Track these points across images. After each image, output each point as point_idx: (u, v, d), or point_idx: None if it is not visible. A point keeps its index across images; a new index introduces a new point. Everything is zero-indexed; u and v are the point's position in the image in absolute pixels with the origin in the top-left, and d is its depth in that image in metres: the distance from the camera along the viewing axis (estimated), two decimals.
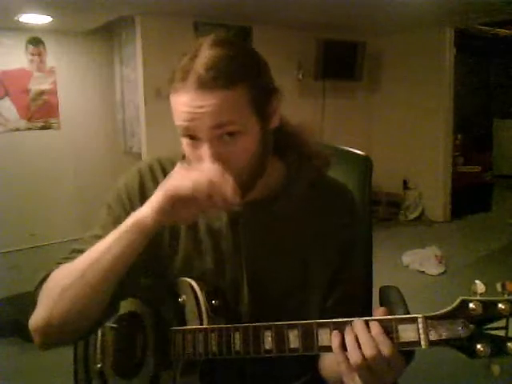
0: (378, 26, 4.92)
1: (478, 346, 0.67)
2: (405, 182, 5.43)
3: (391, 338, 0.71)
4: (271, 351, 0.80)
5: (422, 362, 1.12)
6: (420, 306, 0.74)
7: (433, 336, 0.69)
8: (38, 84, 4.36)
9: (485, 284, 0.69)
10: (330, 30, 4.83)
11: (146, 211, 0.83)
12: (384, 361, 0.71)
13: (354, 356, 0.72)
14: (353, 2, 3.74)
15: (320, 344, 0.76)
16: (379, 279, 1.30)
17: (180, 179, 0.81)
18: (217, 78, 0.78)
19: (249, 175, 0.86)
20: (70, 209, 4.62)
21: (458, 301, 0.69)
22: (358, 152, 1.31)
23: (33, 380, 2.39)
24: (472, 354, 0.67)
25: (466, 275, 3.55)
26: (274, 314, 0.82)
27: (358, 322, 0.74)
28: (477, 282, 0.69)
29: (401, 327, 0.71)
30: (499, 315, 0.67)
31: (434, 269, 3.75)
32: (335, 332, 0.75)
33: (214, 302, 0.90)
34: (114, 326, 1.03)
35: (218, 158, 0.81)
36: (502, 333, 0.67)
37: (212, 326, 0.86)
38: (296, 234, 0.95)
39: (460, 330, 0.68)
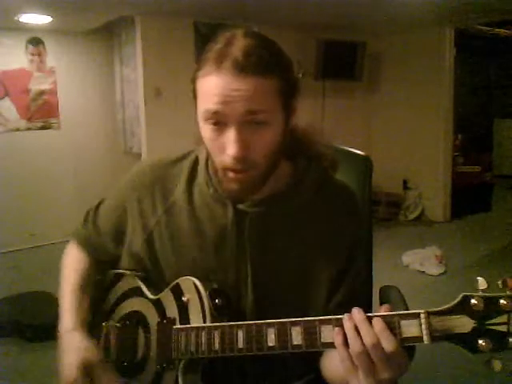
0: (378, 26, 4.92)
1: (480, 341, 0.67)
2: (405, 182, 5.43)
3: (394, 334, 0.71)
4: (274, 348, 0.80)
5: (422, 363, 1.12)
6: (420, 306, 0.74)
7: (435, 331, 0.69)
8: (38, 84, 4.37)
9: (487, 280, 0.69)
10: (330, 29, 4.83)
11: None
12: (387, 356, 0.71)
13: (354, 344, 0.72)
14: (353, 2, 3.74)
15: (323, 340, 0.76)
16: (379, 279, 1.30)
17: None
18: (254, 64, 0.79)
19: (264, 170, 0.87)
20: (69, 209, 4.61)
21: (460, 296, 0.69)
22: (358, 152, 1.31)
23: (33, 380, 2.39)
24: (474, 349, 0.68)
25: (466, 275, 3.54)
26: (277, 313, 0.82)
27: (356, 311, 0.75)
28: (479, 278, 0.70)
29: (403, 323, 0.71)
30: (501, 311, 0.67)
31: (434, 269, 3.75)
32: (338, 329, 0.75)
33: (217, 301, 0.90)
34: (118, 325, 1.03)
35: (243, 143, 0.81)
36: (503, 328, 0.67)
37: (215, 324, 0.86)
38: (301, 234, 0.95)
39: (462, 325, 0.68)
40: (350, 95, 5.50)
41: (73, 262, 1.12)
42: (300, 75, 4.81)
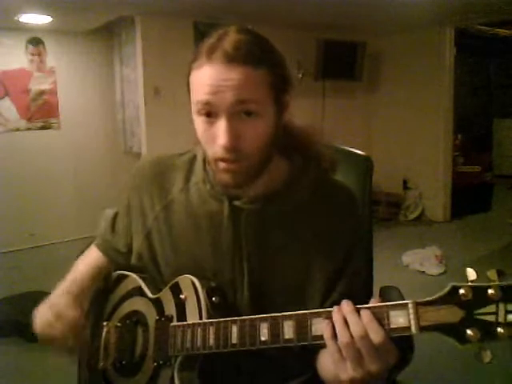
0: (378, 26, 4.92)
1: (469, 332, 0.67)
2: (405, 182, 5.43)
3: (382, 325, 0.72)
4: (266, 342, 0.80)
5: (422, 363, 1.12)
6: None
7: (423, 321, 0.69)
8: (38, 84, 4.37)
9: (476, 271, 0.70)
10: (330, 29, 4.83)
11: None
12: (375, 348, 0.71)
13: (342, 335, 0.73)
14: (353, 2, 3.74)
15: (313, 333, 0.77)
16: (379, 279, 1.30)
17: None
18: (244, 55, 0.81)
19: (257, 161, 0.87)
20: (69, 209, 4.62)
21: (448, 287, 0.70)
22: (359, 152, 1.31)
23: (33, 380, 2.39)
24: (462, 339, 0.68)
25: (466, 275, 3.54)
26: (273, 310, 0.83)
27: (344, 303, 0.75)
28: (468, 269, 0.70)
29: (392, 313, 0.72)
30: (489, 301, 0.67)
31: (434, 269, 3.75)
32: (327, 321, 0.76)
33: (214, 299, 0.91)
34: (118, 324, 1.04)
35: (233, 134, 0.82)
36: (492, 318, 0.67)
37: (210, 320, 0.87)
38: (297, 232, 0.95)
39: (450, 315, 0.68)
40: (350, 95, 5.50)
41: (87, 257, 1.14)
42: (300, 75, 4.82)
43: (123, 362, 1.01)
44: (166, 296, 0.97)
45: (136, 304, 1.03)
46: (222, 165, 0.86)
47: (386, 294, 1.21)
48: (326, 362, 0.86)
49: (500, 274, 0.68)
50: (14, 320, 2.81)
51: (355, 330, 0.72)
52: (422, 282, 3.57)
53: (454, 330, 0.68)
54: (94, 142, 4.74)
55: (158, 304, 0.98)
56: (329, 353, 0.76)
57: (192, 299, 0.91)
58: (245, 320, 0.83)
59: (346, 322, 0.74)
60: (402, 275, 3.69)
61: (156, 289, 1.01)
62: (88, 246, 1.18)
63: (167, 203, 1.01)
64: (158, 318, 0.97)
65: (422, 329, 0.69)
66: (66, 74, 4.49)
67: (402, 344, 0.74)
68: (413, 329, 0.69)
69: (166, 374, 0.91)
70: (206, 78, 0.82)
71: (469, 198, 5.31)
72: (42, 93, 4.40)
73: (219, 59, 0.81)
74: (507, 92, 7.54)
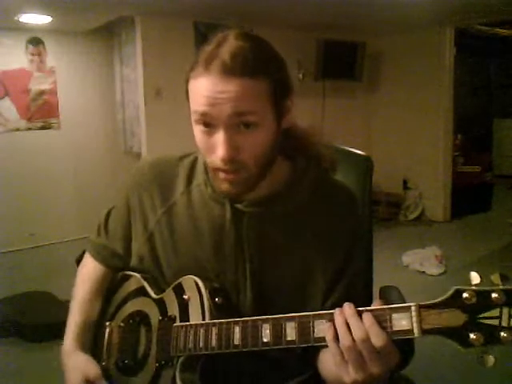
0: (378, 26, 4.92)
1: (472, 335, 0.67)
2: (405, 182, 5.43)
3: (384, 328, 0.71)
4: (268, 344, 0.80)
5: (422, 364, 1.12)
6: None
7: (426, 324, 0.69)
8: (38, 84, 4.37)
9: (480, 275, 0.69)
10: (330, 30, 4.83)
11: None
12: (377, 351, 0.71)
13: (344, 339, 0.73)
14: (353, 2, 3.74)
15: (316, 335, 0.77)
16: (379, 279, 1.30)
17: None
18: (241, 66, 0.79)
19: (257, 170, 0.87)
20: (69, 209, 4.62)
21: (452, 290, 0.69)
22: (359, 152, 1.31)
23: (33, 380, 2.39)
24: (465, 343, 0.67)
25: (465, 275, 3.53)
26: (275, 311, 0.83)
27: (346, 306, 0.75)
28: (472, 273, 0.70)
29: (394, 316, 0.71)
30: (493, 305, 0.67)
31: (434, 269, 3.75)
32: (329, 323, 0.75)
33: (217, 299, 0.91)
34: (122, 324, 1.04)
35: (231, 145, 0.82)
36: (495, 322, 0.67)
37: (213, 321, 0.87)
38: (299, 233, 0.95)
39: (453, 318, 0.68)
40: (350, 95, 5.50)
41: (87, 272, 1.12)
42: (300, 75, 4.82)
43: (125, 362, 1.01)
44: (169, 296, 0.97)
45: (139, 304, 1.03)
46: (221, 175, 0.86)
47: (385, 294, 1.21)
48: (328, 362, 0.86)
49: (503, 278, 0.68)
50: (14, 320, 2.81)
51: (357, 333, 0.72)
52: (422, 282, 3.57)
53: (456, 334, 0.68)
54: (94, 142, 4.74)
55: (161, 304, 0.98)
56: (331, 355, 0.76)
57: (195, 300, 0.91)
58: (247, 321, 0.83)
59: (347, 325, 0.74)
60: (402, 275, 3.69)
61: (159, 289, 1.01)
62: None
63: (169, 206, 1.01)
64: (161, 318, 0.97)
65: (424, 332, 0.69)
66: (66, 74, 4.49)
67: (402, 345, 0.74)
68: (415, 332, 0.69)
69: (167, 374, 0.91)
70: (203, 89, 0.81)
71: (469, 198, 5.31)
72: (41, 93, 4.40)
73: (216, 70, 0.79)
74: (507, 92, 7.54)
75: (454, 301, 0.69)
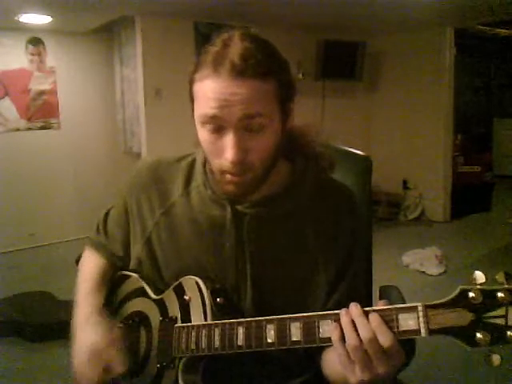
0: (378, 26, 4.92)
1: (478, 335, 0.67)
2: (405, 182, 5.43)
3: (391, 328, 0.71)
4: (273, 344, 0.80)
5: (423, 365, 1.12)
6: None
7: (433, 324, 0.69)
8: (38, 84, 4.37)
9: (485, 274, 0.69)
10: (330, 30, 4.84)
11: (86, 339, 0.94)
12: (384, 351, 0.71)
13: (350, 338, 0.73)
14: (353, 2, 3.74)
15: (321, 336, 0.77)
16: (379, 279, 1.30)
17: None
18: (252, 68, 0.79)
19: (262, 172, 0.87)
20: (69, 209, 4.62)
21: (458, 290, 0.69)
22: (358, 152, 1.31)
23: (33, 380, 2.39)
24: (472, 342, 0.67)
25: (465, 275, 3.52)
26: (276, 312, 0.83)
27: (353, 306, 0.75)
28: (476, 272, 0.70)
29: (401, 316, 0.71)
30: (499, 304, 0.67)
31: (434, 269, 3.75)
32: (335, 323, 0.75)
33: (219, 299, 0.91)
34: (120, 325, 1.03)
35: (241, 148, 0.81)
36: (501, 321, 0.67)
37: (215, 322, 0.87)
38: (299, 234, 0.95)
39: (460, 318, 0.68)
40: (350, 95, 5.50)
41: (88, 266, 1.12)
42: (300, 75, 4.82)
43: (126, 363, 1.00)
44: (170, 297, 0.96)
45: (139, 305, 1.02)
46: (227, 177, 0.86)
47: (385, 293, 1.21)
48: (332, 362, 0.86)
49: (508, 276, 0.68)
50: (14, 320, 2.81)
51: (364, 333, 0.72)
52: (422, 282, 3.57)
53: (463, 333, 0.68)
54: (94, 142, 4.74)
55: (161, 305, 0.98)
56: (336, 355, 0.75)
57: (196, 300, 0.91)
58: (251, 322, 0.83)
59: (354, 325, 0.73)
60: (402, 275, 3.69)
61: (158, 290, 1.01)
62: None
63: (168, 207, 1.00)
64: (161, 318, 0.96)
65: (431, 332, 0.69)
66: (66, 74, 4.49)
67: (404, 345, 0.74)
68: (422, 332, 0.69)
69: (169, 375, 0.91)
70: (213, 92, 0.80)
71: (469, 198, 5.31)
72: (41, 93, 4.39)
73: (226, 72, 0.78)
74: (507, 92, 7.54)
75: (460, 300, 0.69)
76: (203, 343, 0.86)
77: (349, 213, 0.99)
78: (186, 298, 0.93)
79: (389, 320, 0.72)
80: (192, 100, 0.86)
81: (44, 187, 4.51)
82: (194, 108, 0.87)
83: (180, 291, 0.95)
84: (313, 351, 0.90)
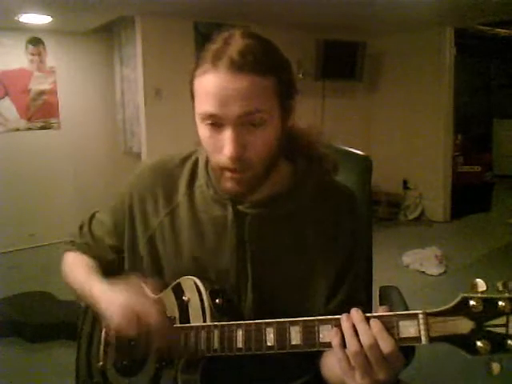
0: (378, 26, 4.92)
1: (479, 343, 0.67)
2: (405, 182, 5.43)
3: (391, 334, 0.71)
4: (273, 348, 0.80)
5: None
6: (420, 306, 0.74)
7: (433, 332, 0.69)
8: (38, 84, 4.37)
9: (485, 282, 0.69)
10: (330, 30, 4.84)
11: (106, 309, 0.89)
12: (384, 357, 0.71)
13: (351, 344, 0.72)
14: (353, 2, 3.74)
15: (321, 340, 0.76)
16: (379, 279, 1.30)
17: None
18: (250, 63, 0.79)
19: (262, 169, 0.87)
20: (69, 209, 4.61)
21: (458, 298, 0.69)
22: (358, 152, 1.31)
23: (33, 380, 2.39)
24: (472, 350, 0.67)
25: (465, 275, 3.55)
26: (277, 313, 0.83)
27: (354, 311, 0.75)
28: (478, 280, 0.69)
29: (402, 323, 0.71)
30: (500, 312, 0.67)
31: (434, 269, 3.75)
32: (335, 329, 0.75)
33: (218, 301, 0.91)
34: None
35: (239, 143, 0.81)
36: (502, 330, 0.67)
37: (215, 324, 0.86)
38: (300, 235, 0.95)
39: (460, 326, 0.68)
40: (350, 95, 5.50)
41: (74, 261, 1.09)
42: (300, 75, 4.82)
43: (124, 362, 1.00)
44: (168, 297, 0.96)
45: None
46: (227, 174, 0.86)
47: (385, 293, 1.21)
48: (331, 366, 0.86)
49: (506, 285, 0.68)
50: (14, 320, 2.81)
51: (365, 339, 0.72)
52: (422, 282, 3.57)
53: (463, 342, 0.68)
54: (94, 142, 4.74)
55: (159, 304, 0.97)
56: (336, 360, 0.75)
57: (195, 301, 0.91)
58: (250, 324, 0.83)
59: (355, 330, 0.73)
60: (402, 275, 3.70)
61: (156, 290, 1.00)
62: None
63: (172, 208, 1.00)
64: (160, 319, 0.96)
65: (431, 340, 0.69)
66: (66, 74, 4.49)
67: (404, 349, 0.73)
68: (423, 339, 0.69)
69: (168, 375, 0.91)
70: (212, 87, 0.80)
71: (469, 198, 5.31)
72: (41, 93, 4.39)
73: (225, 67, 0.79)
74: (507, 92, 7.53)
75: (461, 308, 0.69)
76: (202, 345, 0.86)
77: (349, 213, 0.99)
78: (185, 298, 0.92)
79: (389, 327, 0.72)
80: (193, 98, 0.87)
81: (44, 187, 4.51)
82: (194, 105, 0.87)
83: (178, 291, 0.94)
84: (312, 353, 0.90)
